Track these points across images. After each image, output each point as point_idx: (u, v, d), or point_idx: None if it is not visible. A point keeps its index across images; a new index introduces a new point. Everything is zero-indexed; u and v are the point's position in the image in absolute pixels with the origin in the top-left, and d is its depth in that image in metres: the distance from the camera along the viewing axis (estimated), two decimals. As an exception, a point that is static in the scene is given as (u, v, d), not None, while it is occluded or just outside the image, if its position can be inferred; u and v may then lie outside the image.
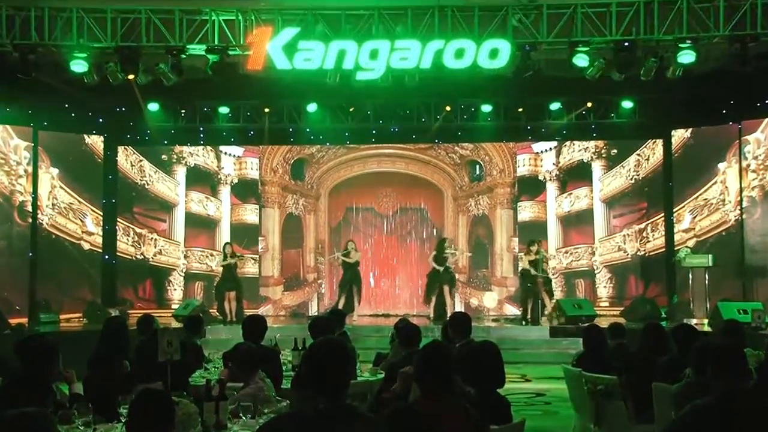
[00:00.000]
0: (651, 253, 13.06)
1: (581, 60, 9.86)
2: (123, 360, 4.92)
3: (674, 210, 12.63)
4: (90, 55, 9.85)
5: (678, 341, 4.89)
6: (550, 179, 13.74)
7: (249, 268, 13.44)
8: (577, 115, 13.08)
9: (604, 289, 13.38)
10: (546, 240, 13.26)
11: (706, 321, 10.79)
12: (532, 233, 13.04)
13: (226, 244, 12.38)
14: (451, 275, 12.42)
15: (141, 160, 13.57)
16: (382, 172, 14.31)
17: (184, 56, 9.95)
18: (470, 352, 3.75)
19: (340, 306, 11.70)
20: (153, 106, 12.67)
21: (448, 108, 13.01)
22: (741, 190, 11.84)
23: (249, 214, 13.97)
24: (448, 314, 11.31)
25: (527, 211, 13.80)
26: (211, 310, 12.50)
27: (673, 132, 12.80)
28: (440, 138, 13.83)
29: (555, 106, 12.84)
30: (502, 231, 13.81)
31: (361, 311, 13.07)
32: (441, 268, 12.08)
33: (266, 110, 13.12)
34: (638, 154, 13.25)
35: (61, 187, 12.45)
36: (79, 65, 9.88)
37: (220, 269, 12.49)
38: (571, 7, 9.74)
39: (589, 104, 12.73)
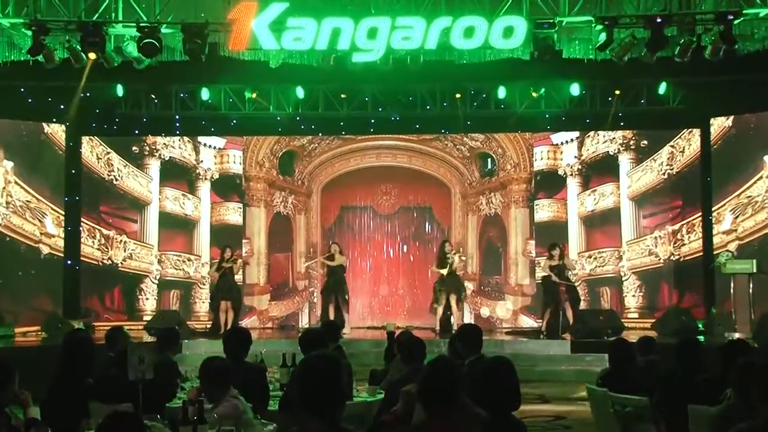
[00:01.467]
0: (686, 258, 13.09)
1: (607, 39, 9.83)
2: (87, 379, 4.90)
3: (713, 209, 12.63)
4: (44, 30, 9.77)
5: (725, 359, 4.78)
6: (572, 174, 13.78)
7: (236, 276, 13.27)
8: (602, 102, 13.13)
9: (632, 298, 13.40)
10: (567, 243, 13.32)
11: (749, 335, 10.75)
12: (550, 235, 13.10)
13: (225, 247, 12.42)
14: (458, 283, 12.47)
15: (108, 153, 13.58)
16: (381, 166, 14.38)
17: (157, 35, 9.95)
18: (481, 369, 3.70)
19: (330, 317, 11.77)
20: (122, 91, 12.69)
21: (457, 95, 13.06)
22: (790, 186, 11.96)
23: (231, 213, 14.01)
24: (456, 327, 11.50)
25: (545, 210, 13.83)
26: (189, 322, 12.58)
27: (711, 120, 12.77)
28: (447, 128, 13.90)
29: (577, 91, 12.85)
30: (517, 233, 13.84)
31: (358, 323, 13.08)
32: (444, 272, 12.13)
33: (251, 96, 13.13)
34: (672, 146, 13.28)
35: (16, 182, 12.43)
36: (26, 41, 9.85)
37: (199, 275, 12.62)
38: (596, -22, 9.80)
39: (617, 90, 12.74)
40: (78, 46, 10.00)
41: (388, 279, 14.29)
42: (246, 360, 5.24)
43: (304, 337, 5.64)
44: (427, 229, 14.39)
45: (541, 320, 12.26)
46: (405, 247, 14.38)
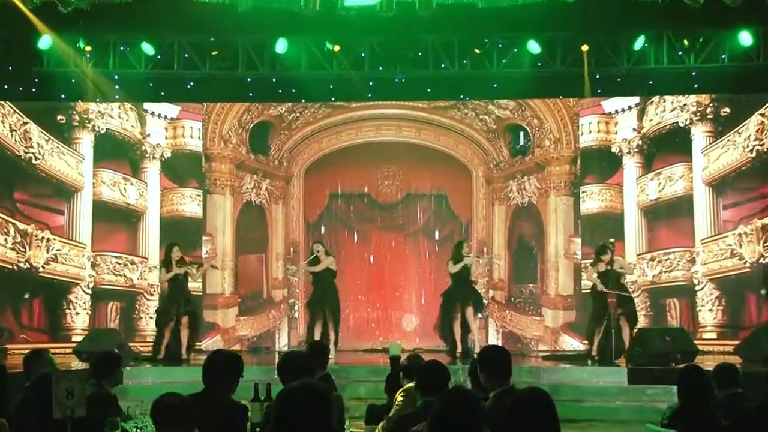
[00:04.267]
0: (780, 261, 13.11)
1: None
2: (-1, 418, 4.78)
3: (817, 198, 12.81)
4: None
5: None
6: (630, 152, 13.79)
7: (190, 283, 13.11)
8: (670, 58, 13.06)
9: (709, 313, 13.39)
10: (623, 241, 13.29)
11: None
12: (601, 231, 13.12)
13: (171, 245, 12.16)
14: (476, 293, 12.51)
15: (26, 123, 13.56)
16: (382, 142, 14.43)
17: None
18: (510, 404, 3.70)
19: (316, 337, 11.74)
20: (44, 42, 12.65)
21: (477, 50, 13.01)
22: None
23: (188, 202, 14.09)
24: (477, 349, 11.50)
25: (595, 198, 13.87)
26: (132, 344, 12.56)
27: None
28: (467, 92, 13.92)
29: (637, 44, 12.85)
30: (558, 228, 13.89)
31: (351, 344, 13.10)
32: (454, 269, 12.15)
33: (213, 51, 13.13)
34: (762, 114, 13.24)
35: None
36: None
37: (146, 283, 12.62)
38: None
39: (686, 41, 12.69)
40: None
41: (390, 287, 14.39)
42: (233, 398, 5.12)
43: (283, 363, 5.58)
44: (440, 224, 14.46)
45: (588, 341, 12.21)
46: (412, 246, 14.48)
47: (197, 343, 12.41)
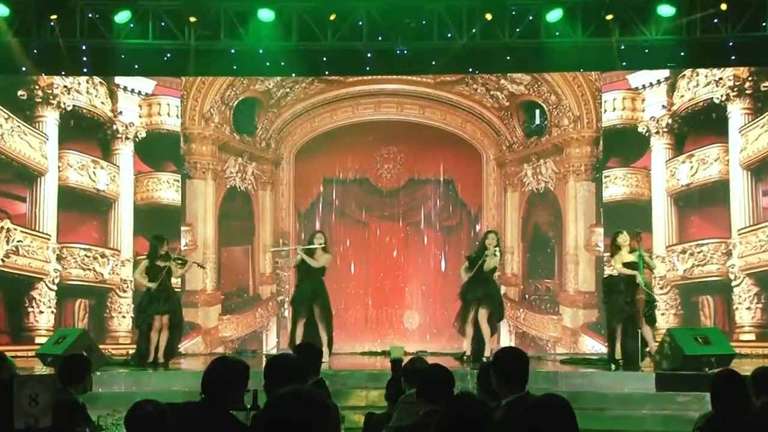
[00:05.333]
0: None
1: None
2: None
3: None
4: None
5: None
6: (658, 132, 13.80)
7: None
8: (703, 26, 13.05)
9: (746, 312, 13.37)
10: (650, 232, 13.29)
11: None
12: (626, 220, 12.92)
13: (160, 238, 11.98)
14: (492, 290, 12.22)
15: (-18, 100, 13.58)
16: (382, 121, 14.46)
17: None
18: (525, 413, 3.65)
19: (298, 338, 11.68)
20: (2, 10, 12.65)
21: (488, 15, 12.98)
22: None
23: (165, 188, 14.10)
24: (488, 352, 11.53)
25: (619, 184, 13.89)
26: (103, 346, 12.49)
27: None
28: (476, 65, 13.89)
29: (667, 10, 12.86)
30: (578, 217, 13.92)
31: (347, 346, 13.09)
32: (465, 274, 12.07)
33: (192, 19, 13.10)
34: (807, 90, 13.28)
35: None
36: None
37: (118, 278, 12.71)
38: None
39: (723, 5, 12.66)
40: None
41: (390, 283, 14.40)
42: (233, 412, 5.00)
43: (271, 367, 5.55)
44: (447, 212, 14.44)
45: (609, 343, 11.99)
46: (415, 237, 14.46)
47: (178, 346, 12.36)
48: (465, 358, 11.99)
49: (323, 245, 12.03)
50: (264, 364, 5.26)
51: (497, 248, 11.97)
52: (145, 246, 12.62)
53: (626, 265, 11.49)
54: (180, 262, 12.11)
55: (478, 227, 14.12)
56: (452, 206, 14.47)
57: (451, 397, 4.01)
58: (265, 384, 5.17)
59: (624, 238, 11.48)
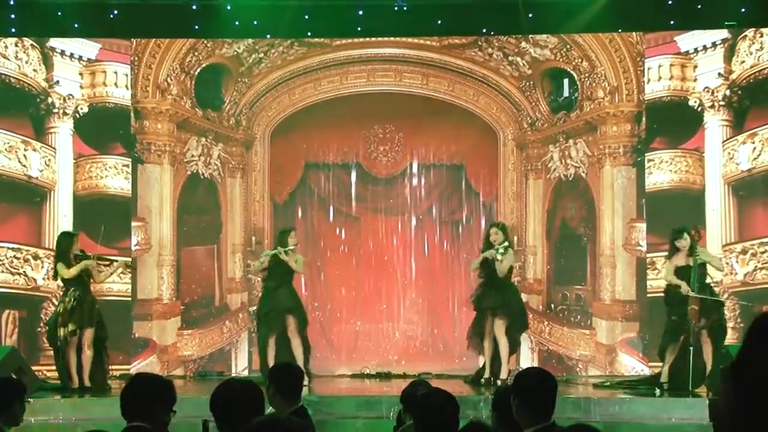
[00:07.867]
0: None
1: None
2: None
3: None
4: None
5: None
6: (714, 106, 13.65)
7: (113, 284, 13.57)
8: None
9: (820, 325, 13.08)
10: (703, 227, 13.02)
11: None
12: (674, 214, 12.99)
13: (70, 234, 12.08)
14: (504, 295, 12.34)
15: None
16: (376, 93, 14.47)
17: None
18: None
19: (270, 359, 11.92)
20: None
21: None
22: None
23: (112, 175, 14.02)
24: (504, 373, 11.86)
25: (665, 169, 13.83)
26: (36, 368, 12.55)
27: None
28: (492, 25, 13.89)
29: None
30: (615, 209, 13.81)
31: (333, 367, 13.37)
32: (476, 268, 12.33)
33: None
34: None
35: None
36: None
37: (55, 284, 12.59)
38: None
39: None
40: None
41: (387, 291, 14.31)
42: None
43: (216, 399, 5.19)
44: (455, 204, 14.38)
45: (657, 363, 12.20)
46: (417, 234, 14.37)
47: (119, 368, 12.58)
48: (483, 380, 12.19)
49: (296, 245, 12.46)
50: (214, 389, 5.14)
51: (505, 245, 12.14)
52: (90, 247, 12.53)
53: (678, 270, 11.58)
54: (104, 262, 12.29)
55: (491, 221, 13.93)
56: (462, 197, 14.38)
57: (456, 429, 4.04)
58: (216, 417, 5.11)
59: (685, 242, 11.56)
